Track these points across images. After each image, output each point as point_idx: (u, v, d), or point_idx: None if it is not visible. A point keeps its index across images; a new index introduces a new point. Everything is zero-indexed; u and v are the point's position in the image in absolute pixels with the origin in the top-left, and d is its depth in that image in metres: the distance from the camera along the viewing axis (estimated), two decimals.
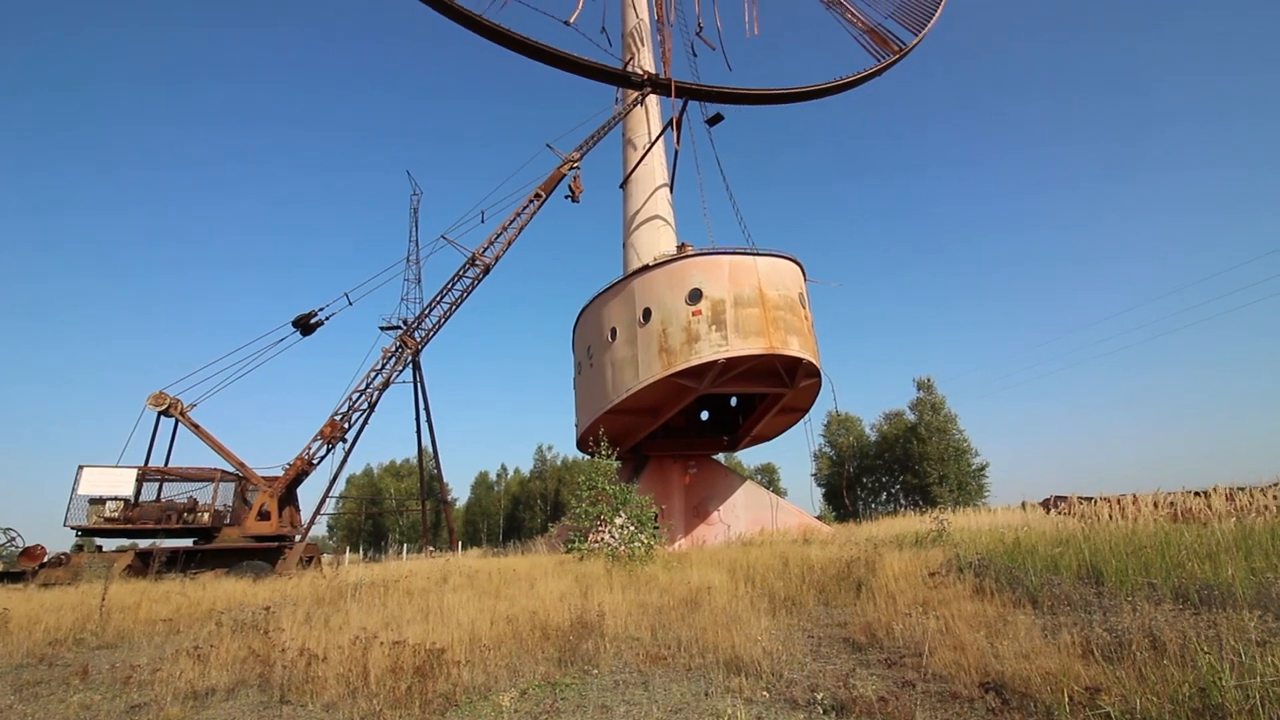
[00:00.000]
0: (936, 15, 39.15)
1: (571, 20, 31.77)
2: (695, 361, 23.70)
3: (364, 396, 25.59)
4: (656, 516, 16.91)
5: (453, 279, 27.48)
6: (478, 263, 27.57)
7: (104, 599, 9.90)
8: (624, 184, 34.79)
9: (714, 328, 24.04)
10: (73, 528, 19.10)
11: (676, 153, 33.73)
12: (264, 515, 21.74)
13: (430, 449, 42.39)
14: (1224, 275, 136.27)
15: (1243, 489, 15.87)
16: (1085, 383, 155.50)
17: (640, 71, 33.72)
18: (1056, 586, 7.98)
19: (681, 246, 29.54)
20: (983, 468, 54.82)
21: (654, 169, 33.93)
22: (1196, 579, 7.58)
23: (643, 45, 36.79)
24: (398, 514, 72.11)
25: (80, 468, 19.51)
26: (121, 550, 20.28)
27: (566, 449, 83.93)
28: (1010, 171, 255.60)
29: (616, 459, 17.92)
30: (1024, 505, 24.19)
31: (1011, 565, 9.24)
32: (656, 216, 32.70)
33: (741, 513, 28.18)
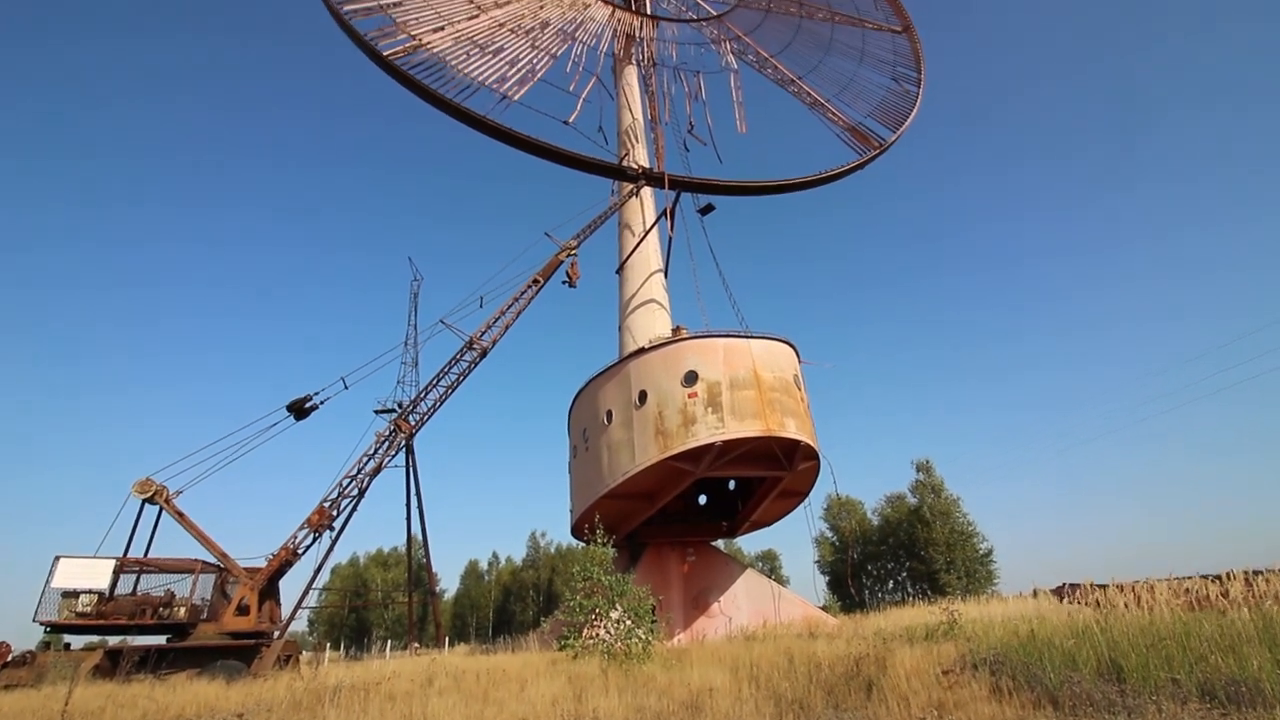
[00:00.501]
0: (912, 115, 41.97)
1: (571, 120, 33.91)
2: (692, 444, 23.51)
3: (354, 483, 25.10)
4: (654, 609, 16.19)
5: (449, 363, 27.69)
6: (475, 346, 27.89)
7: (67, 704, 9.25)
8: (620, 269, 35.86)
9: (710, 410, 24.03)
10: (42, 623, 18.11)
11: (670, 240, 35.04)
12: (243, 610, 20.71)
13: (420, 537, 41.15)
14: (1232, 346, 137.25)
15: (1260, 573, 15.39)
16: (1090, 462, 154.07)
17: (635, 166, 35.61)
18: (1077, 684, 7.57)
19: (676, 330, 30.08)
20: (989, 553, 53.25)
21: (649, 255, 35.10)
22: (1221, 673, 7.22)
23: (638, 142, 39.06)
24: (383, 607, 68.76)
25: (56, 559, 18.76)
26: (90, 648, 19.15)
27: (560, 535, 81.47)
28: (1000, 241, 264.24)
29: (612, 546, 17.38)
30: (1035, 593, 23.31)
31: (1028, 661, 8.80)
32: (652, 300, 33.48)
33: (743, 604, 27.01)
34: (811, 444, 24.91)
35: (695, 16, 45.01)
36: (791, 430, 24.22)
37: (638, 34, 41.08)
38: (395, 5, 31.10)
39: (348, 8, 29.65)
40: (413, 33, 29.99)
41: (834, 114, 41.93)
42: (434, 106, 28.84)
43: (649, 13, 43.25)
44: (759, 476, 26.96)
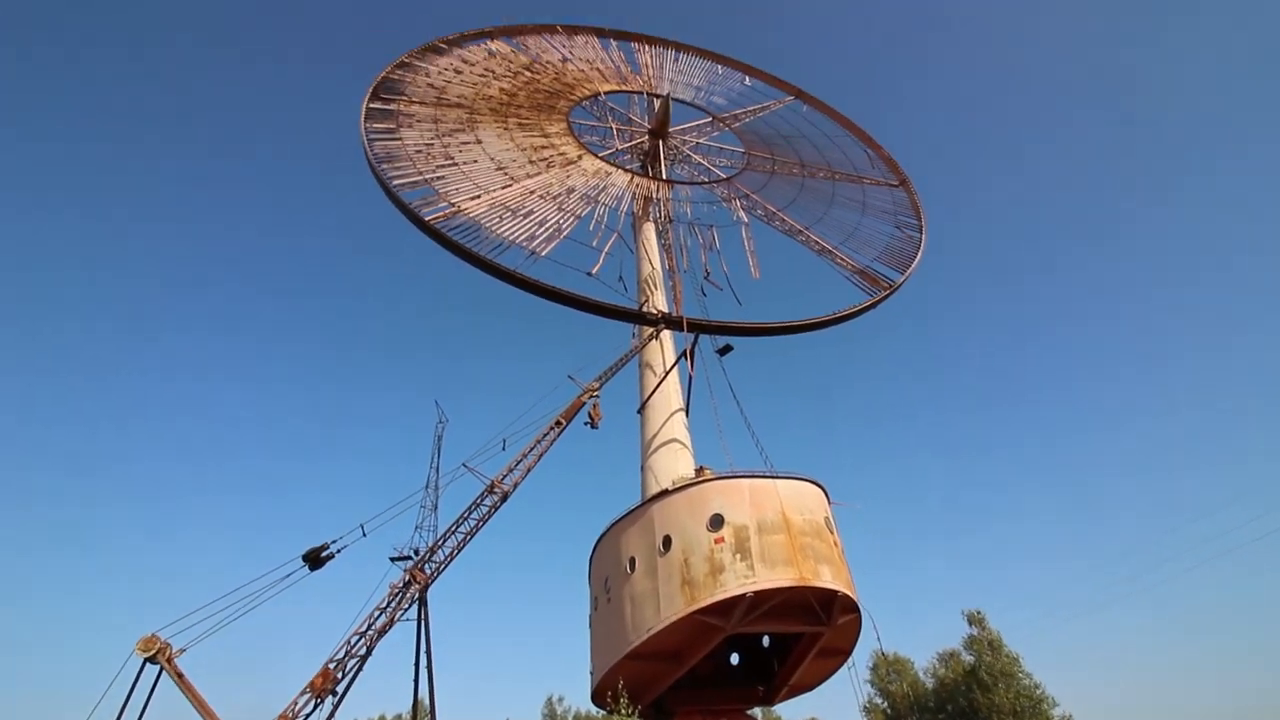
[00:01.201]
0: (918, 258, 44.03)
1: (594, 271, 36.11)
2: (721, 595, 22.00)
3: (364, 640, 23.66)
4: None
5: (469, 507, 27.24)
6: (496, 490, 27.54)
7: None
8: (641, 409, 36.11)
9: (738, 557, 22.80)
10: None
11: (691, 379, 35.57)
12: None
13: (427, 702, 37.77)
14: None
15: None
16: (1171, 605, 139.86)
17: (655, 311, 37.21)
18: None
19: (700, 470, 29.51)
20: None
21: (670, 395, 35.48)
22: None
23: (656, 289, 41.15)
24: None
25: None
26: None
27: (578, 699, 74.37)
28: (1043, 367, 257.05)
29: (638, 716, 15.66)
30: None
31: None
32: (674, 440, 33.26)
33: None
34: (850, 594, 23.21)
35: (707, 179, 49.39)
36: (827, 579, 22.71)
37: (655, 195, 44.92)
38: (438, 179, 34.76)
39: (397, 181, 33.22)
40: (452, 200, 33.19)
41: (842, 259, 44.17)
42: (469, 263, 31.10)
43: (665, 178, 47.61)
44: (795, 632, 24.90)
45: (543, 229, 34.31)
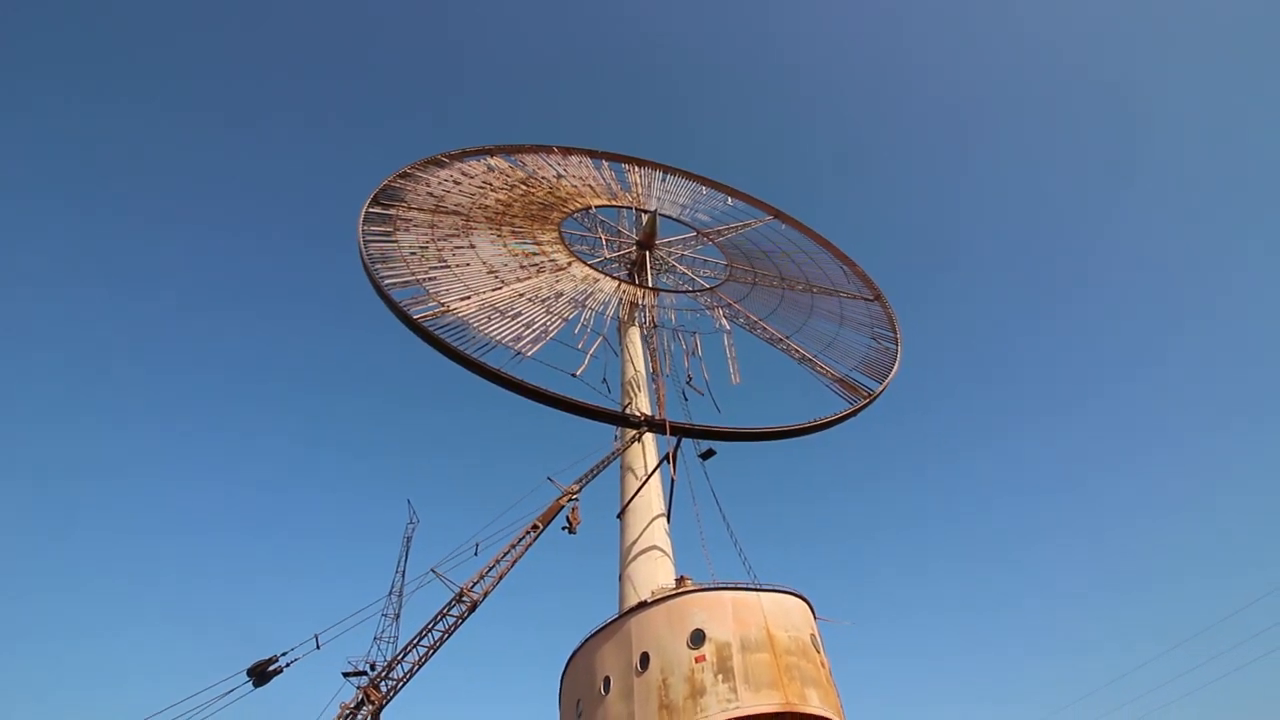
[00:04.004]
0: (894, 369, 45.36)
1: (579, 372, 36.56)
2: None
3: None
4: None
5: (435, 618, 25.70)
6: (465, 598, 26.15)
7: None
8: (621, 513, 35.25)
9: (720, 677, 21.48)
10: None
11: (673, 483, 35.08)
12: None
13: None
14: None
15: None
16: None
17: (638, 414, 37.36)
18: None
19: (680, 580, 28.43)
20: None
21: (651, 499, 34.83)
22: None
23: (640, 392, 41.58)
24: None
25: None
26: None
27: None
28: (1037, 465, 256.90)
29: None
30: None
31: None
32: (654, 547, 32.25)
33: None
34: None
35: (691, 289, 51.56)
36: (814, 704, 21.37)
37: (640, 302, 46.61)
38: (429, 280, 35.93)
39: (389, 280, 34.22)
40: (442, 301, 34.12)
41: (822, 367, 45.37)
42: (455, 361, 31.44)
43: (651, 286, 49.64)
44: None
45: (530, 330, 35.11)
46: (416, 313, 32.47)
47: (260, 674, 23.50)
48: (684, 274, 53.53)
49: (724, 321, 46.48)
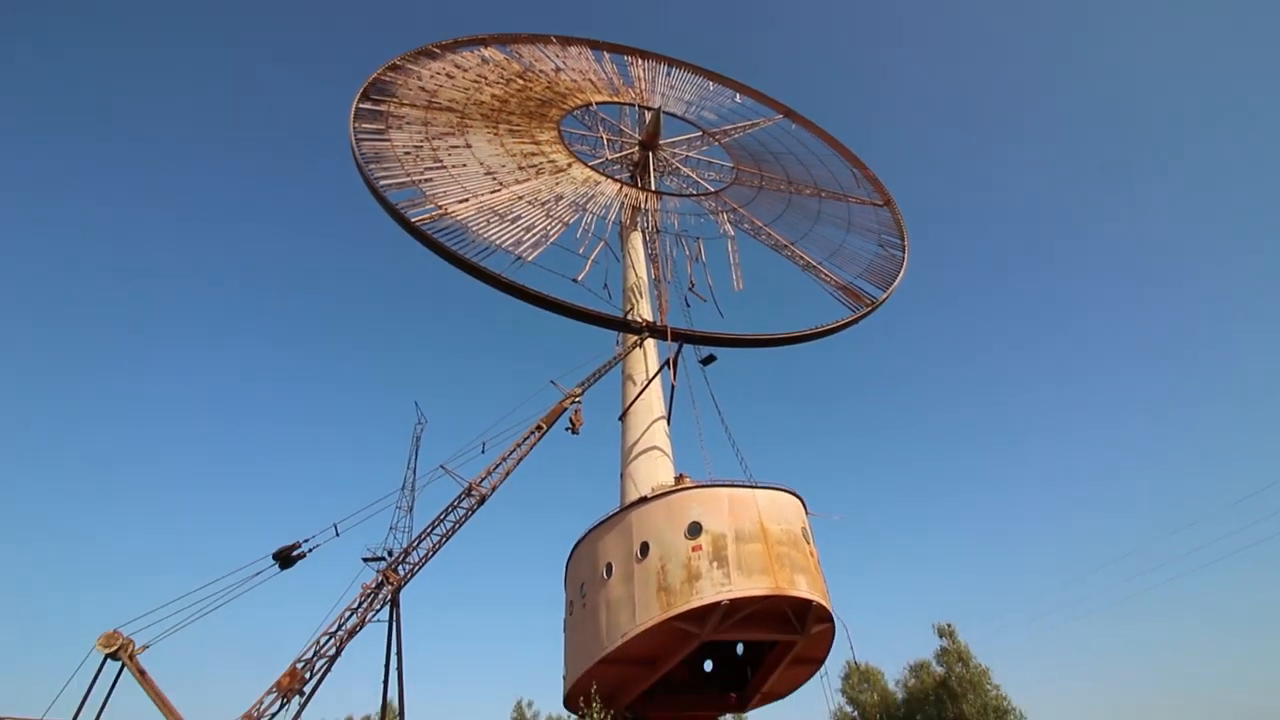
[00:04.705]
0: (900, 276, 44.94)
1: (580, 278, 36.32)
2: (697, 603, 22.12)
3: (333, 640, 23.37)
4: None
5: (446, 510, 27.08)
6: (474, 493, 27.44)
7: None
8: (623, 416, 36.25)
9: (715, 565, 22.97)
10: None
11: (673, 389, 35.82)
12: None
13: (396, 704, 37.23)
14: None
15: None
16: (1131, 620, 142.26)
17: (639, 320, 37.48)
18: None
19: (679, 478, 29.70)
20: None
21: (652, 403, 35.68)
22: None
23: (642, 298, 41.46)
24: None
25: None
26: None
27: (549, 704, 73.63)
28: (1025, 370, 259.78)
29: None
30: None
31: None
32: (654, 448, 33.42)
33: None
34: (825, 604, 23.46)
35: (695, 192, 49.98)
36: (803, 588, 22.95)
37: (643, 206, 45.37)
38: (426, 181, 34.82)
39: (384, 182, 33.21)
40: (440, 203, 33.25)
41: (826, 275, 44.92)
42: (455, 265, 31.14)
43: (654, 189, 48.13)
44: (769, 640, 25.10)
45: (530, 234, 34.48)
46: (414, 216, 31.76)
47: (285, 558, 25.23)
48: (688, 176, 51.72)
49: (728, 227, 45.50)
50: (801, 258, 45.65)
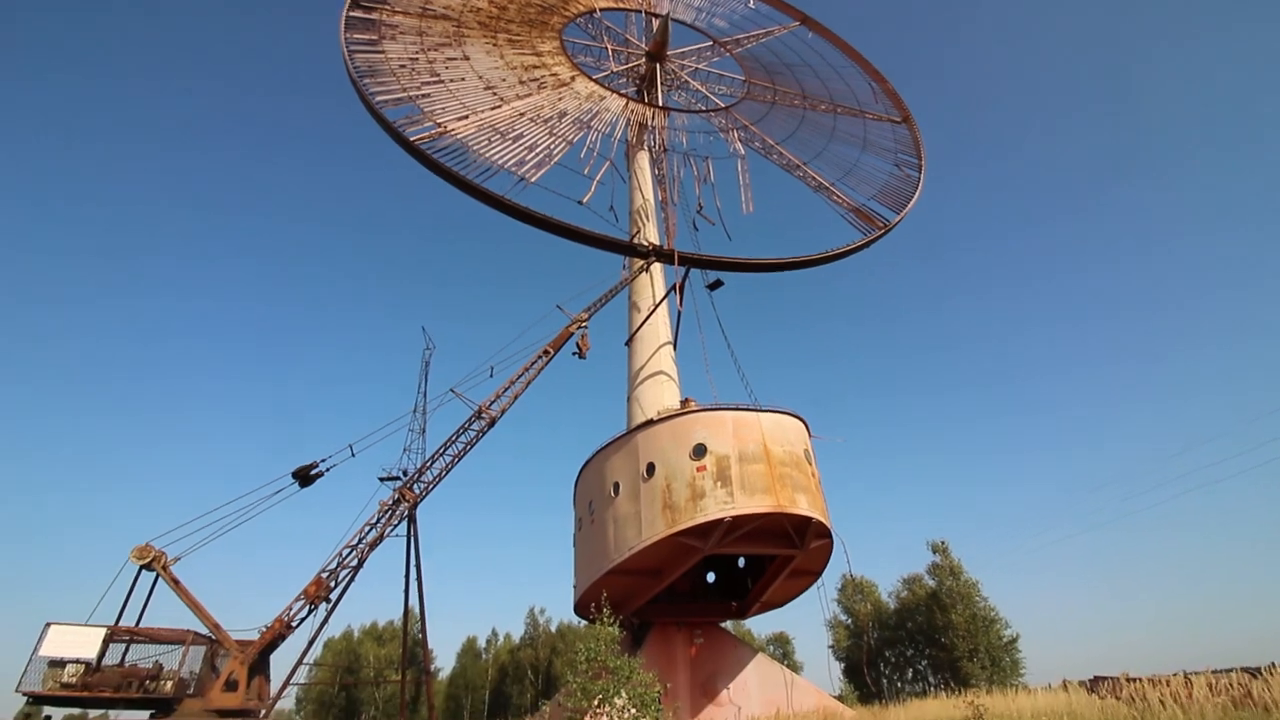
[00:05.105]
0: (915, 198, 43.55)
1: (585, 200, 35.44)
2: (700, 519, 23.04)
3: (355, 553, 24.65)
4: (660, 697, 15.39)
5: (457, 431, 27.77)
6: (483, 416, 28.03)
7: None
8: (629, 341, 36.40)
9: (719, 484, 23.71)
10: (25, 694, 17.44)
11: (680, 314, 35.70)
12: (231, 685, 19.91)
13: (417, 611, 39.71)
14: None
15: None
16: (1117, 545, 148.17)
17: (646, 243, 36.85)
18: None
19: (685, 402, 30.14)
20: (1014, 640, 50.53)
21: (658, 328, 35.69)
22: None
23: (648, 221, 40.57)
24: (375, 685, 65.53)
25: (47, 625, 18.31)
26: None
27: (560, 613, 78.37)
28: (1026, 308, 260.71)
29: (617, 625, 16.75)
30: (1065, 686, 22.00)
31: None
32: (660, 373, 33.74)
33: (754, 692, 25.61)
34: (824, 521, 24.35)
35: (704, 108, 47.73)
36: (803, 506, 23.75)
37: (650, 123, 43.51)
38: (423, 96, 33.33)
39: (380, 98, 31.84)
40: (438, 120, 31.97)
41: (839, 196, 43.58)
42: (456, 187, 30.37)
43: (661, 105, 45.98)
44: (769, 554, 26.25)
45: (533, 154, 33.34)
46: (413, 134, 30.62)
47: (304, 477, 26.23)
48: (697, 91, 49.26)
49: (738, 145, 43.75)
50: (814, 178, 44.16)
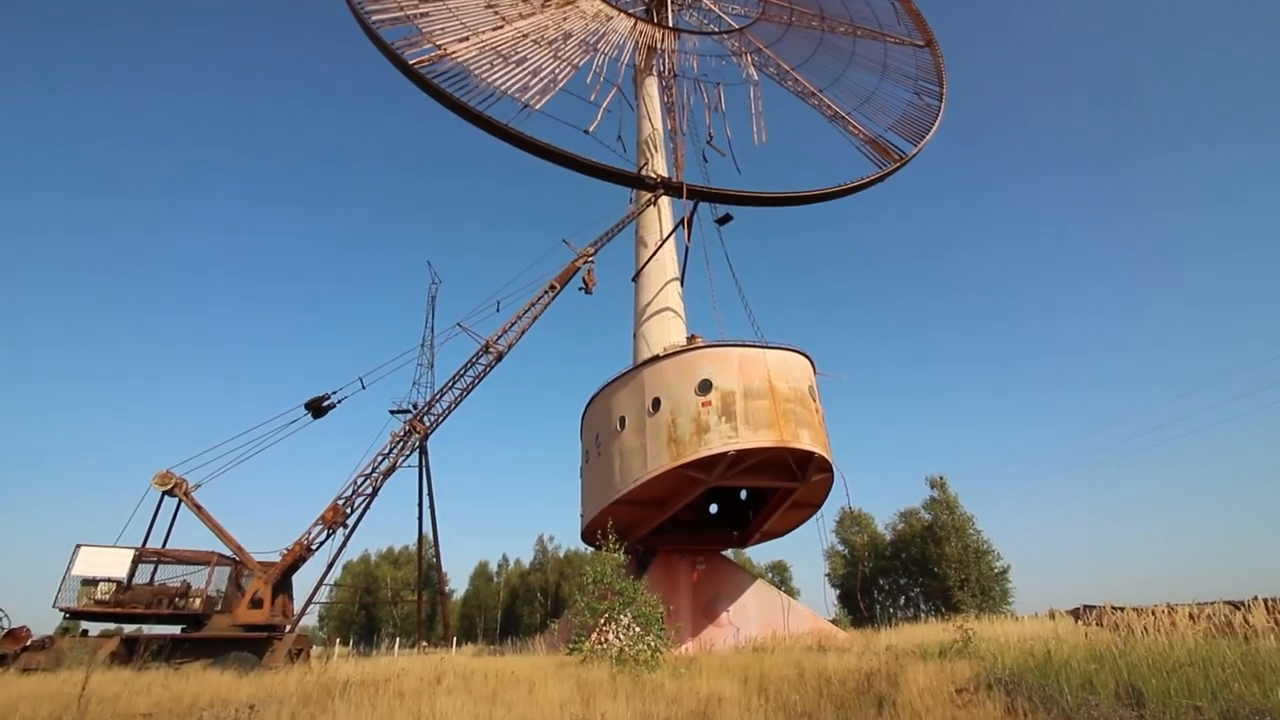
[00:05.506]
0: (934, 129, 41.79)
1: (591, 129, 34.18)
2: (705, 453, 23.46)
3: (369, 481, 25.36)
4: (663, 617, 16.14)
5: (464, 366, 27.93)
6: (490, 350, 28.12)
7: (84, 689, 9.41)
8: (636, 277, 36.00)
9: (724, 419, 23.99)
10: (62, 610, 18.47)
11: (687, 249, 35.12)
12: (256, 603, 20.96)
13: (431, 537, 41.34)
14: (1263, 367, 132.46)
15: None
16: (1110, 483, 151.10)
17: (654, 175, 35.82)
18: (1095, 708, 7.45)
19: (691, 338, 30.11)
20: (1005, 571, 52.40)
21: (665, 264, 35.21)
22: (1245, 702, 7.07)
23: (656, 152, 39.29)
24: (392, 604, 69.16)
25: (78, 546, 19.16)
26: (106, 635, 19.50)
27: (567, 541, 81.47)
28: (1029, 256, 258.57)
29: (624, 552, 17.39)
30: (1052, 614, 22.90)
31: (1044, 683, 8.66)
32: (667, 309, 33.55)
33: (752, 615, 26.83)
34: (825, 456, 24.75)
35: (717, 29, 45.27)
36: (805, 442, 24.09)
37: (659, 46, 41.40)
38: (421, 16, 31.66)
39: (375, 17, 30.25)
40: (438, 42, 30.49)
41: (854, 127, 41.87)
42: (457, 114, 29.25)
43: (671, 25, 43.59)
44: (771, 487, 26.84)
45: (536, 79, 31.94)
46: (411, 57, 29.25)
47: (316, 408, 26.68)
48: (709, 10, 46.57)
49: (752, 70, 41.73)
50: (829, 107, 42.30)
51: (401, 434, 26.59)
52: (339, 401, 27.35)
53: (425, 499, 39.07)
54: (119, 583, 19.12)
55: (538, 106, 30.90)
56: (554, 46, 34.61)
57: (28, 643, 17.28)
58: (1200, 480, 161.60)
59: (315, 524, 23.97)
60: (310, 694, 10.63)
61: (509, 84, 30.74)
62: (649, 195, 35.29)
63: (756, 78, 41.82)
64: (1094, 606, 20.14)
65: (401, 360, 30.93)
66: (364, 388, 27.98)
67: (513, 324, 28.81)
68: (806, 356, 27.50)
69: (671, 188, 34.75)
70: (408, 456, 27.08)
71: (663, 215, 36.99)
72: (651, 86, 42.13)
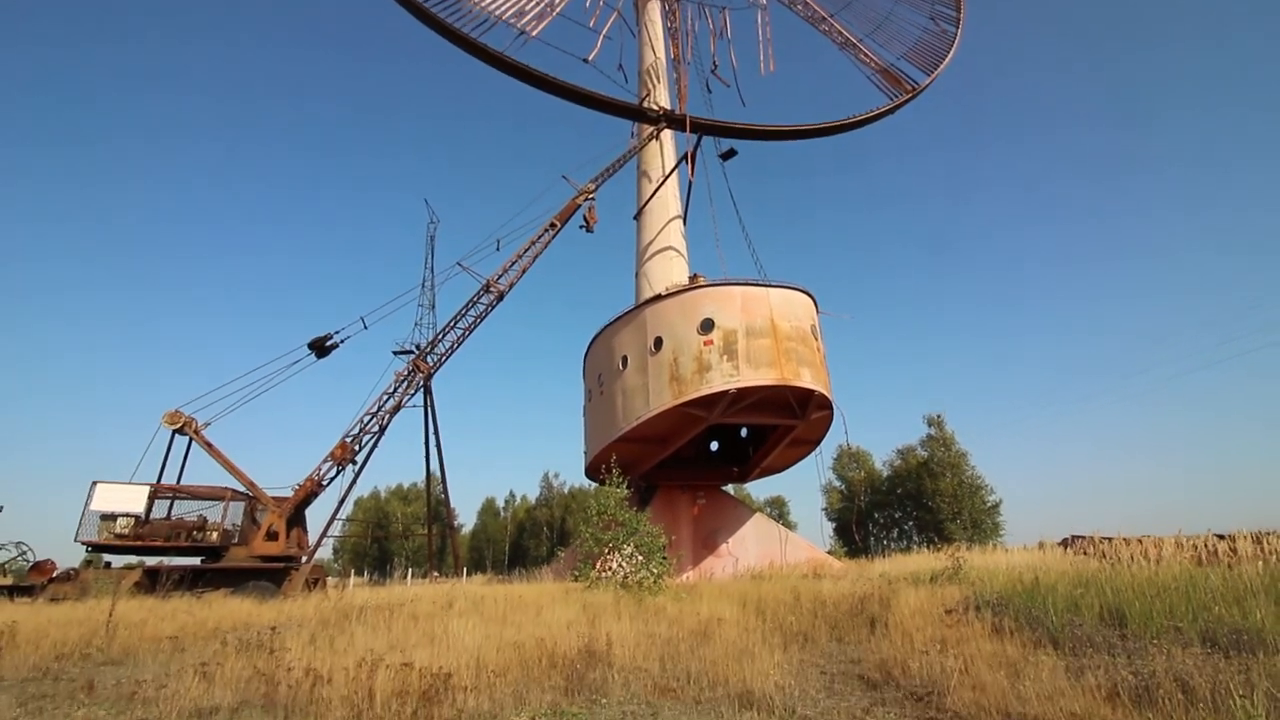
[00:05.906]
0: (949, 57, 39.91)
1: (591, 58, 32.69)
2: (706, 391, 23.65)
3: (375, 419, 25.71)
4: (665, 547, 16.70)
5: (466, 305, 27.80)
6: (491, 290, 27.90)
7: (111, 615, 9.87)
8: (638, 215, 35.28)
9: (725, 358, 24.05)
10: (83, 543, 19.15)
11: (690, 185, 34.27)
12: (272, 536, 21.69)
13: (438, 474, 42.30)
14: (1256, 310, 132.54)
15: (1270, 533, 15.46)
16: (1103, 421, 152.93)
17: (656, 107, 34.52)
18: (1078, 628, 7.76)
19: (694, 277, 29.79)
20: (996, 505, 53.78)
21: (668, 201, 34.43)
22: (1225, 623, 7.35)
23: (659, 82, 37.71)
24: (404, 538, 71.65)
25: (94, 484, 19.65)
26: (129, 567, 20.29)
27: (572, 477, 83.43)
28: (1033, 201, 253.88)
29: (627, 487, 17.81)
30: (1041, 545, 23.66)
31: (1031, 605, 9.01)
32: (669, 248, 33.05)
33: (751, 546, 27.73)
34: (825, 394, 24.94)
35: None
36: (806, 380, 24.22)
37: None
38: None
39: None
40: None
41: (866, 55, 40.00)
42: (450, 41, 27.93)
43: None
44: (771, 424, 27.18)
45: (533, 4, 30.34)
46: None
47: (319, 347, 26.74)
48: None
49: None
50: (840, 33, 40.36)
51: (405, 373, 26.75)
52: (342, 341, 27.40)
53: (431, 437, 39.73)
54: (137, 517, 19.72)
55: (534, 33, 29.50)
56: None
57: (54, 575, 17.99)
58: (1199, 418, 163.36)
59: (325, 461, 24.49)
60: (328, 617, 11.14)
61: (504, 9, 29.25)
62: (651, 128, 34.13)
63: (764, 2, 39.70)
64: (1082, 536, 20.76)
65: (401, 301, 30.76)
66: (366, 327, 27.96)
67: (513, 263, 28.47)
68: (809, 295, 27.29)
69: (674, 120, 33.58)
70: (412, 395, 27.35)
71: (665, 150, 35.91)
72: (654, 11, 40.03)
